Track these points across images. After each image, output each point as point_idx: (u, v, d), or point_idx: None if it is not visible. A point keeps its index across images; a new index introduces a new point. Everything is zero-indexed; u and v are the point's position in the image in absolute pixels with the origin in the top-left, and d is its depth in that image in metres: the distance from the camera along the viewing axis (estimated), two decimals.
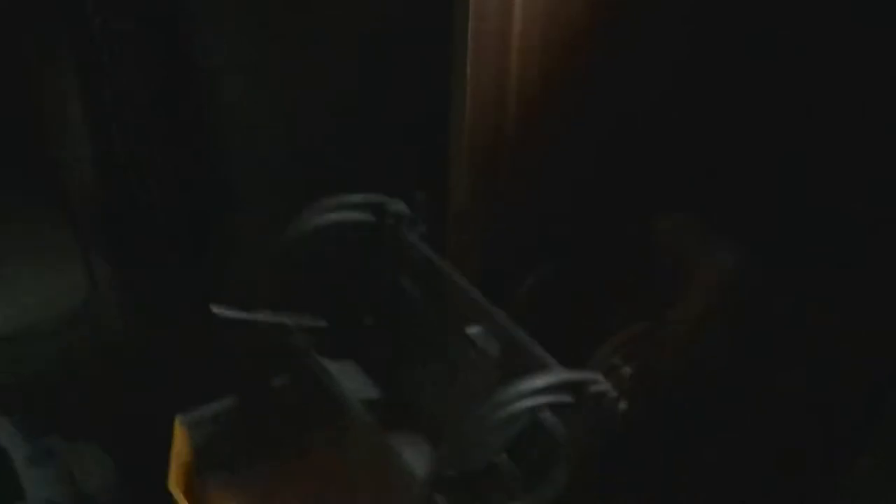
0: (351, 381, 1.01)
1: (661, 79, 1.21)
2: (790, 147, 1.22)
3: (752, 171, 1.23)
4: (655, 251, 1.16)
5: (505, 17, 1.12)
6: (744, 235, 1.13)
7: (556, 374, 0.86)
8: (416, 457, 0.92)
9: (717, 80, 1.20)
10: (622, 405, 0.87)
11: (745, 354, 1.10)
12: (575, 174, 1.21)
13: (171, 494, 1.11)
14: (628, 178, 1.20)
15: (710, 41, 1.20)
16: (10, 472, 1.23)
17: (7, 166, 1.61)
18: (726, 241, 1.12)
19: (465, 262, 1.09)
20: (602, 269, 1.14)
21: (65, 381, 1.41)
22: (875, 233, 1.15)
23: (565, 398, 0.85)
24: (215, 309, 0.98)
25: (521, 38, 1.13)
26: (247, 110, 1.49)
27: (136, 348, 1.43)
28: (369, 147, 1.34)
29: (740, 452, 1.09)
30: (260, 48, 1.45)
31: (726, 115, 1.22)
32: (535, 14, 1.13)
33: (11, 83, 1.65)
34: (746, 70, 1.20)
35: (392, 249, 1.07)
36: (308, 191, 1.06)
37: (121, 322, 1.45)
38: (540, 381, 0.84)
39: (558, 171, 1.20)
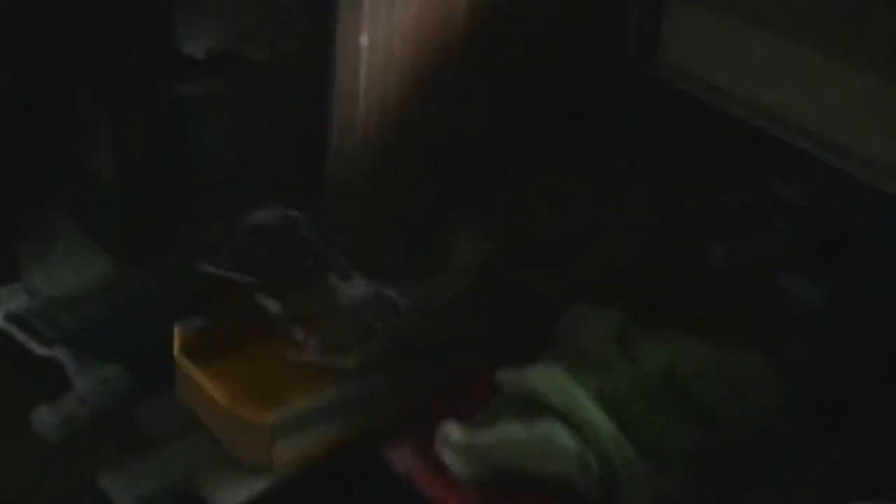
0: (272, 306, 1.91)
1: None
2: None
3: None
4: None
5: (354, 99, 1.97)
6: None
7: (366, 282, 1.77)
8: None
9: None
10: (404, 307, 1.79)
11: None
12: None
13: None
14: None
15: None
16: (66, 376, 2.05)
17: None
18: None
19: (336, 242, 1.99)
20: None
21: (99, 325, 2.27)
22: None
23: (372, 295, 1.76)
24: (203, 266, 1.87)
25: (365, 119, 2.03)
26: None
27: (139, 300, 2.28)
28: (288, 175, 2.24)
29: None
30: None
31: None
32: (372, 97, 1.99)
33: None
34: None
35: (293, 237, 1.98)
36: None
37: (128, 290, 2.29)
38: (358, 284, 1.76)
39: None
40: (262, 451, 1.76)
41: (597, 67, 2.28)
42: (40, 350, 2.04)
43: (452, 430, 1.76)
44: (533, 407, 1.78)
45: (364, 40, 1.90)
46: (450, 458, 1.75)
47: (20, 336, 2.04)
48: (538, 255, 2.14)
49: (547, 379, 1.78)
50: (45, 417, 1.99)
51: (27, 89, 2.29)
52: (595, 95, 2.29)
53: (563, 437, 1.72)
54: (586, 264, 2.14)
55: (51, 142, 2.35)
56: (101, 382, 2.04)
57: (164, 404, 1.96)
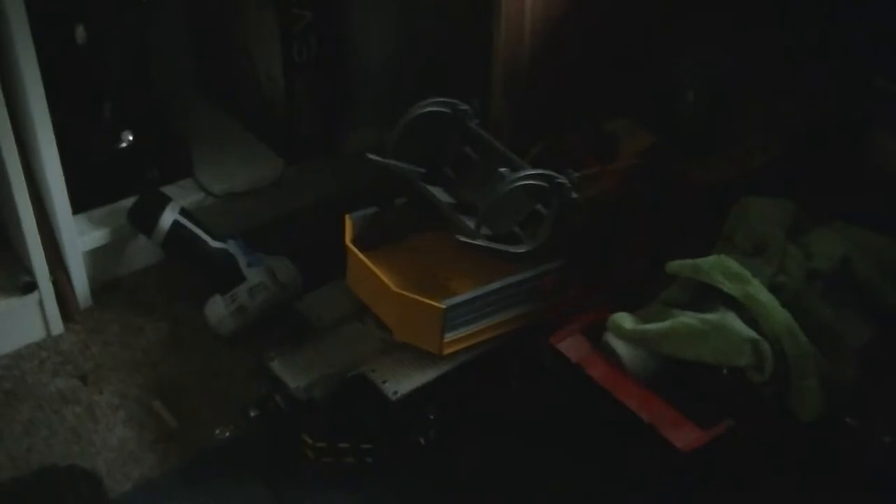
0: (441, 195, 1.91)
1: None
2: None
3: None
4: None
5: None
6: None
7: (538, 170, 1.76)
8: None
9: None
10: (574, 195, 1.77)
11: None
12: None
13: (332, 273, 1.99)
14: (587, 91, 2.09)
15: None
16: (237, 269, 2.10)
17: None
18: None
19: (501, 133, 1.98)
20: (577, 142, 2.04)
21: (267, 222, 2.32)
22: None
23: (543, 182, 1.75)
24: (370, 156, 1.88)
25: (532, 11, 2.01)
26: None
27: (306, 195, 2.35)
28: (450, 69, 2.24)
29: None
30: None
31: None
32: None
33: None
34: None
35: (460, 130, 1.98)
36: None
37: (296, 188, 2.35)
38: (529, 171, 1.74)
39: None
40: (432, 337, 1.77)
41: None
42: (214, 243, 2.09)
43: (624, 319, 1.75)
44: (705, 296, 1.76)
45: None
46: (620, 347, 1.74)
47: (194, 229, 2.09)
48: (701, 145, 2.09)
49: (721, 268, 1.75)
50: (216, 308, 2.04)
51: None
52: None
53: (737, 325, 1.69)
54: (753, 155, 2.09)
55: (220, 42, 2.39)
56: (271, 275, 2.08)
57: (328, 294, 1.99)
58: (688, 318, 1.71)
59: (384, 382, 1.77)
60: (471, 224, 1.78)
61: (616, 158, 2.00)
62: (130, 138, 2.17)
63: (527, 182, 1.76)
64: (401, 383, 1.77)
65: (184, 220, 2.10)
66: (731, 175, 2.05)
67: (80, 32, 2.02)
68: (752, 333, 1.68)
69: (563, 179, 1.76)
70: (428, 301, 1.74)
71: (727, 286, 1.73)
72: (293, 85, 2.24)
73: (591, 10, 2.04)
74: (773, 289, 1.76)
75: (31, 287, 2.03)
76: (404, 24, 2.29)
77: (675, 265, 1.78)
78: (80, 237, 2.10)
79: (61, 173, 2.00)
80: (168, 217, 2.08)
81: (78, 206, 2.10)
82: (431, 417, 1.78)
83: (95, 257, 2.15)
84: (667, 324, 1.71)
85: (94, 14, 2.02)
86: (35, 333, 2.08)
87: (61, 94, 1.96)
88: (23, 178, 1.93)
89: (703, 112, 2.13)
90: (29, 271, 2.03)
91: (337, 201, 2.16)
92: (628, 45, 2.11)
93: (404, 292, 1.77)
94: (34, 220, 1.98)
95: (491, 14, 1.97)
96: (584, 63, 2.07)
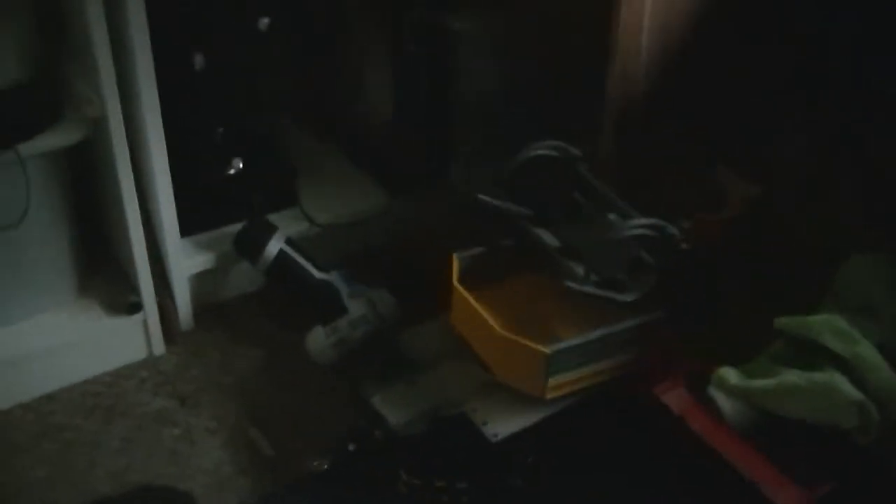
0: (547, 238, 1.91)
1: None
2: None
3: None
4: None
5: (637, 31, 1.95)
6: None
7: (648, 220, 1.76)
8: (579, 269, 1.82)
9: None
10: (683, 245, 1.77)
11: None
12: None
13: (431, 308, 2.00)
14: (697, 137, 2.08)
15: None
16: (339, 300, 2.12)
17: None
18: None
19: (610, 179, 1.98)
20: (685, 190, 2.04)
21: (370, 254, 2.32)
22: None
23: (653, 233, 1.74)
24: (479, 196, 1.89)
25: (648, 51, 2.00)
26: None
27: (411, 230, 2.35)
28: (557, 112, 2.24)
29: None
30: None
31: None
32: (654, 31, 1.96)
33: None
34: None
35: (569, 174, 1.98)
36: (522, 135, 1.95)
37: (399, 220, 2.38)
38: (640, 220, 1.74)
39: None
40: (535, 380, 1.77)
41: None
42: (318, 274, 2.11)
43: (729, 374, 1.73)
44: (812, 354, 1.73)
45: None
46: (723, 402, 1.72)
47: (299, 259, 2.11)
48: (811, 200, 2.07)
49: (830, 326, 1.72)
50: (318, 339, 2.06)
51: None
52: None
53: (845, 386, 1.66)
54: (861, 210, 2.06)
55: (330, 73, 2.42)
56: (371, 308, 2.10)
57: (429, 331, 2.01)
58: (794, 377, 1.69)
59: (484, 424, 1.77)
60: (579, 270, 1.78)
61: (723, 208, 1.98)
62: (241, 165, 2.20)
63: (636, 232, 1.75)
64: (502, 425, 1.77)
65: (289, 250, 2.12)
66: (839, 229, 2.03)
67: (199, 60, 2.06)
68: (858, 395, 1.65)
69: (673, 230, 1.75)
70: (533, 345, 1.74)
71: (835, 345, 1.71)
72: (400, 118, 2.25)
73: (710, 53, 2.02)
74: (881, 348, 1.73)
75: (137, 307, 2.07)
76: (512, 62, 2.30)
77: (783, 321, 1.76)
78: (186, 260, 2.14)
79: (172, 197, 2.04)
80: (274, 246, 2.11)
81: (185, 229, 2.14)
82: (530, 460, 1.77)
83: (199, 281, 2.18)
84: (772, 381, 1.69)
85: (214, 43, 2.06)
86: (137, 353, 2.12)
87: (176, 120, 2.00)
88: (136, 200, 1.97)
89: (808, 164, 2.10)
90: (136, 291, 2.06)
91: (439, 235, 2.17)
92: (744, 95, 2.09)
93: (510, 335, 1.77)
94: (144, 242, 2.01)
95: (605, 54, 1.97)
96: (698, 108, 2.06)
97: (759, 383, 1.70)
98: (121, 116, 1.88)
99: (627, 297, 1.79)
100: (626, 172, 2.04)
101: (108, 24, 1.80)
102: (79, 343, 2.06)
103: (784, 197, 2.06)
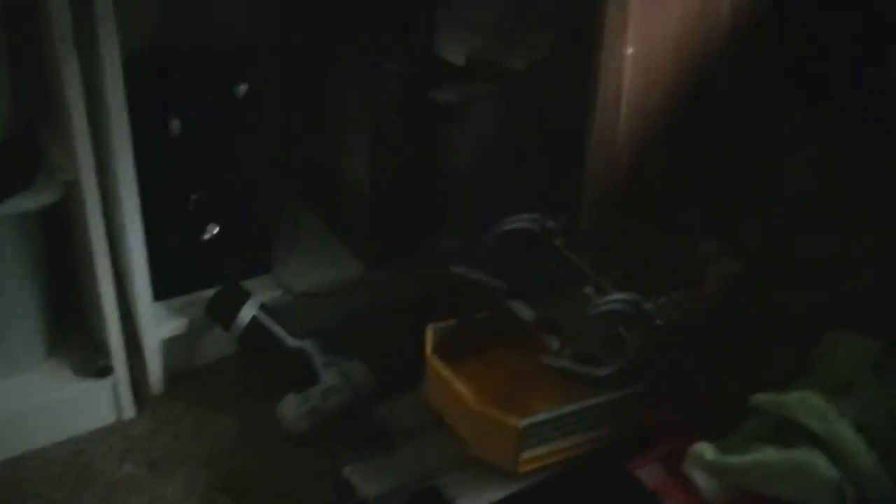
0: (522, 311, 1.90)
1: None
2: None
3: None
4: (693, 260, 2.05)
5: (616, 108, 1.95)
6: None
7: (625, 295, 1.74)
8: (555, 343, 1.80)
9: None
10: (659, 321, 1.75)
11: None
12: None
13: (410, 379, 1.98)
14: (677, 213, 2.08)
15: None
16: (312, 369, 2.10)
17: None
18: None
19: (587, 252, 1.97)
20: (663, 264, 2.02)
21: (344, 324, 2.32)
22: None
23: (630, 308, 1.73)
24: (453, 269, 1.88)
25: (627, 125, 2.00)
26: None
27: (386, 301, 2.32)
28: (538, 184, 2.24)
29: None
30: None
31: None
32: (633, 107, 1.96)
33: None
34: None
35: (545, 247, 1.97)
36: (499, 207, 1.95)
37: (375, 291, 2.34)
38: (615, 296, 1.73)
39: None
40: (508, 454, 1.75)
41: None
42: (291, 342, 2.09)
43: (705, 450, 1.71)
44: (789, 432, 1.72)
45: (629, 49, 1.87)
46: (700, 478, 1.70)
47: (272, 326, 2.09)
48: (792, 275, 2.06)
49: (807, 405, 1.71)
50: (290, 408, 2.04)
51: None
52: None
53: (821, 464, 1.65)
54: (842, 286, 2.05)
55: (311, 140, 2.41)
56: (345, 378, 2.08)
57: (404, 403, 1.98)
58: (771, 454, 1.67)
59: (454, 499, 1.74)
60: (555, 344, 1.76)
61: (702, 283, 1.97)
62: (216, 230, 2.18)
63: (612, 307, 1.74)
64: (470, 501, 1.74)
65: (263, 317, 2.10)
66: (821, 302, 2.02)
67: (175, 125, 2.05)
68: (835, 474, 1.64)
69: (648, 305, 1.74)
70: (505, 419, 1.72)
71: (811, 423, 1.69)
72: (380, 189, 2.25)
73: (688, 129, 2.03)
74: (860, 429, 1.72)
75: (107, 371, 2.04)
76: (495, 136, 2.30)
77: (758, 399, 1.75)
78: (158, 325, 2.12)
79: (145, 261, 2.02)
80: (247, 312, 2.09)
81: (158, 294, 2.12)
82: None
83: (172, 345, 2.16)
84: (748, 458, 1.67)
85: (191, 108, 2.05)
86: (106, 417, 2.09)
87: (151, 184, 1.99)
88: (109, 263, 1.95)
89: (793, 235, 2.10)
90: (107, 354, 2.03)
91: (416, 307, 2.16)
92: (724, 169, 2.09)
93: (482, 409, 1.74)
94: (116, 305, 1.99)
95: (584, 130, 1.97)
96: (677, 185, 2.06)
97: (735, 460, 1.68)
98: (94, 180, 1.86)
99: (602, 372, 1.77)
100: (605, 246, 2.03)
101: (84, 87, 1.79)
102: (48, 406, 2.03)
103: (767, 274, 2.06)
